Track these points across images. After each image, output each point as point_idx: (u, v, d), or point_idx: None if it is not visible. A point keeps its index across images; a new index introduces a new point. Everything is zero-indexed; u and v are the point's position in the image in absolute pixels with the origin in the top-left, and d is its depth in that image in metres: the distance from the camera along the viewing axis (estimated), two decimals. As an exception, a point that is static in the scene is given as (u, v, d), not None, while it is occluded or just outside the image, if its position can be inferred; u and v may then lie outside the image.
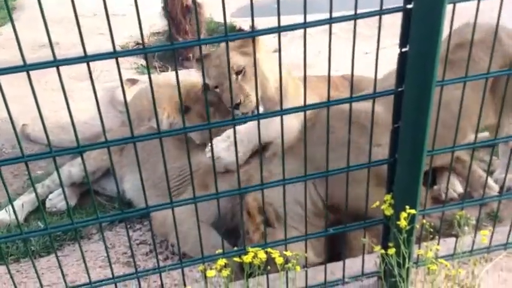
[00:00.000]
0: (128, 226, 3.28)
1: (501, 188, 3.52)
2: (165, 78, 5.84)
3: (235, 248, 2.31)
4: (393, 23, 2.26)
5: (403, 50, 1.91)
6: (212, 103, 3.57)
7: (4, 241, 2.03)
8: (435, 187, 3.63)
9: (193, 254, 3.10)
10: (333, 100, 1.99)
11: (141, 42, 1.70)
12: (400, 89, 1.98)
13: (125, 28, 6.99)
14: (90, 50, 1.65)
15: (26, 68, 1.62)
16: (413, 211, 2.06)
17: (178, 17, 6.35)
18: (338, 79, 4.33)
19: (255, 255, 2.05)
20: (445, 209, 2.38)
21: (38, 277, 2.12)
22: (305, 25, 1.75)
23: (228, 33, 1.73)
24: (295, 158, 2.85)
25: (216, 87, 3.42)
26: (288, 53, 6.08)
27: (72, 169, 3.99)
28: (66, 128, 5.01)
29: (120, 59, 1.72)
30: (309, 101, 1.96)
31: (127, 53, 1.74)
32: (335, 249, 3.09)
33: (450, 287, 2.24)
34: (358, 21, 1.82)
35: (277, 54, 1.85)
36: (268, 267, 2.10)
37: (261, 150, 2.35)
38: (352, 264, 2.53)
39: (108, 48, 1.67)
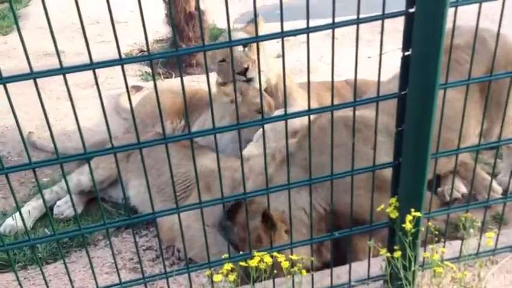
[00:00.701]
0: (134, 232, 3.29)
1: (506, 190, 3.52)
2: (168, 84, 5.88)
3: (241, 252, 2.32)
4: (395, 28, 2.29)
5: (406, 53, 1.92)
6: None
7: (12, 248, 2.04)
8: (439, 189, 3.64)
9: (200, 258, 3.11)
10: (336, 104, 2.00)
11: (144, 49, 1.72)
12: (403, 93, 1.99)
13: (128, 36, 7.03)
14: (93, 58, 1.67)
15: (33, 75, 1.64)
16: (418, 214, 2.07)
17: (182, 24, 6.39)
18: (340, 83, 4.35)
19: (261, 259, 2.06)
20: (450, 212, 2.38)
21: (46, 284, 2.13)
22: (308, 30, 1.77)
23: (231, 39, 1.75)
24: (294, 165, 2.85)
25: (223, 60, 3.64)
26: (290, 59, 6.09)
27: (81, 177, 4.02)
28: (71, 136, 5.05)
29: (124, 67, 1.74)
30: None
31: (132, 59, 1.75)
32: (340, 252, 3.10)
33: (456, 289, 2.24)
34: (361, 26, 1.84)
35: (279, 58, 1.87)
36: (274, 271, 2.11)
37: (265, 156, 2.36)
38: (358, 268, 2.53)
39: (111, 56, 1.69)
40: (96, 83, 1.71)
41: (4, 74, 1.63)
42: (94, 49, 1.64)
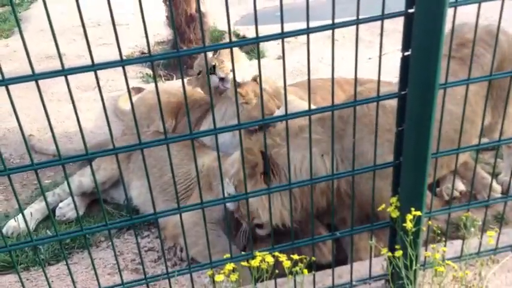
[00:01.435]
0: (136, 233, 3.30)
1: (507, 189, 3.53)
2: (164, 86, 5.90)
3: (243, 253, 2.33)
4: (394, 29, 2.30)
5: (406, 53, 1.93)
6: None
7: (14, 248, 2.05)
8: (437, 189, 3.65)
9: (204, 255, 3.11)
10: (337, 104, 2.01)
11: (145, 51, 1.73)
12: (403, 92, 2.00)
13: (129, 38, 7.05)
14: (94, 60, 1.68)
15: (35, 77, 1.65)
16: (419, 213, 2.07)
17: (183, 26, 6.40)
18: (342, 79, 4.38)
19: (262, 259, 2.07)
20: (451, 211, 2.39)
21: (49, 285, 2.14)
22: (308, 31, 1.78)
23: (232, 41, 1.76)
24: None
25: (199, 73, 4.01)
26: (291, 60, 6.11)
27: (82, 179, 4.03)
28: (73, 138, 5.07)
29: (126, 69, 1.75)
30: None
31: (134, 61, 1.76)
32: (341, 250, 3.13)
33: (457, 288, 2.25)
34: (361, 27, 1.85)
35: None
36: (276, 271, 2.12)
37: (266, 156, 2.37)
38: (360, 268, 2.54)
39: (112, 58, 1.70)
40: (98, 84, 1.72)
41: (6, 77, 1.64)
42: (95, 52, 1.65)
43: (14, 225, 3.74)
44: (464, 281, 2.24)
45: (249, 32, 7.25)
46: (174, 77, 6.39)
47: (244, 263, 2.11)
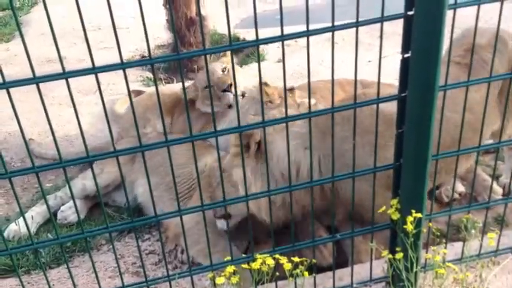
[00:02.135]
0: (137, 236, 3.31)
1: (508, 191, 3.54)
2: (162, 88, 5.93)
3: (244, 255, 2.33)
4: (394, 32, 2.30)
5: (405, 55, 1.94)
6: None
7: (15, 252, 2.05)
8: (436, 191, 3.65)
9: (205, 254, 3.12)
10: (336, 107, 2.02)
11: (146, 55, 1.74)
12: (403, 94, 2.01)
13: (129, 42, 7.07)
14: (95, 64, 1.68)
15: (36, 80, 1.66)
16: (419, 215, 2.08)
17: (183, 29, 6.41)
18: (344, 79, 4.40)
19: (263, 261, 2.07)
20: (451, 213, 2.39)
21: (49, 287, 2.14)
22: (308, 33, 1.78)
23: (232, 43, 1.77)
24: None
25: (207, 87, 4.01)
26: (291, 63, 6.12)
27: (86, 182, 4.04)
28: (74, 142, 5.08)
29: (126, 72, 1.75)
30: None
31: (134, 63, 1.77)
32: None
33: (458, 290, 2.25)
34: (360, 30, 1.85)
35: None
36: (277, 273, 2.12)
37: (266, 157, 2.38)
38: (360, 270, 2.54)
39: (113, 61, 1.71)
40: (99, 87, 1.73)
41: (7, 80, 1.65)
42: (96, 55, 1.65)
43: (15, 229, 3.74)
44: (465, 283, 2.24)
45: (249, 35, 7.26)
46: (175, 80, 6.40)
47: (245, 266, 2.11)
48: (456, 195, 3.64)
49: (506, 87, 2.97)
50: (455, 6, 1.93)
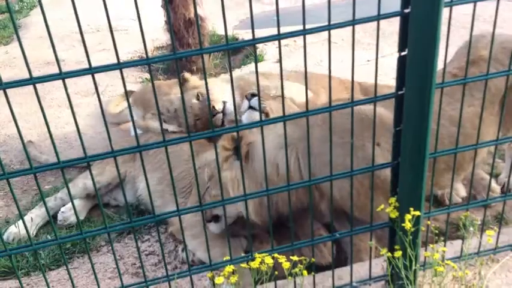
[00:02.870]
0: (136, 237, 3.32)
1: (507, 189, 3.54)
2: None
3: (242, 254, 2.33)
4: (393, 31, 2.31)
5: (402, 54, 1.94)
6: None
7: (14, 253, 2.05)
8: (439, 192, 3.64)
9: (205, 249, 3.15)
10: (334, 105, 2.02)
11: (144, 57, 1.74)
12: (400, 93, 2.01)
13: (128, 43, 7.08)
14: (93, 65, 1.68)
15: (33, 81, 1.66)
16: (417, 213, 2.08)
17: (181, 30, 6.42)
18: (347, 80, 4.41)
19: (262, 261, 2.07)
20: (450, 211, 2.39)
21: (49, 289, 2.14)
22: (304, 32, 1.78)
23: (229, 42, 1.77)
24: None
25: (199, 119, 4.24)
26: (289, 63, 6.13)
27: (87, 181, 4.06)
28: (73, 143, 5.08)
29: (125, 73, 1.75)
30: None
31: (131, 63, 1.77)
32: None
33: (457, 288, 2.25)
34: (359, 30, 1.86)
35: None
36: (276, 272, 2.12)
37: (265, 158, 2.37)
38: (360, 269, 2.54)
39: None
40: (95, 87, 1.73)
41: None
42: (94, 57, 1.66)
43: (14, 231, 3.74)
44: (464, 281, 2.24)
45: (248, 36, 7.21)
46: (173, 81, 6.41)
47: (244, 265, 2.11)
48: (459, 199, 3.63)
49: (506, 100, 2.90)
50: (451, 4, 1.93)
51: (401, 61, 1.95)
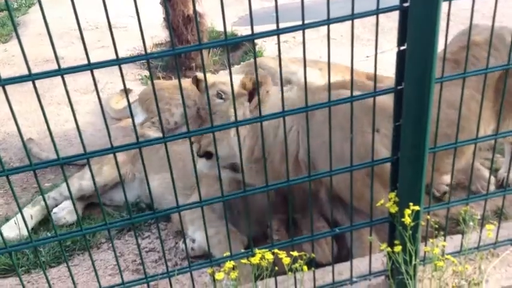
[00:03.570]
0: (137, 234, 3.32)
1: (507, 184, 3.54)
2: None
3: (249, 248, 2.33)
4: (392, 27, 2.31)
5: (401, 48, 1.94)
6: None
7: (14, 250, 2.06)
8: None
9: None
10: (333, 100, 2.02)
11: (143, 53, 1.73)
12: (400, 87, 2.01)
13: (127, 41, 7.07)
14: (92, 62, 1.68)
15: (32, 77, 1.65)
16: (417, 207, 2.08)
17: (180, 27, 6.41)
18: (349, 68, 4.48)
19: (262, 256, 2.07)
20: (450, 206, 2.39)
21: (49, 286, 2.14)
22: (303, 27, 1.78)
23: (228, 38, 1.77)
24: None
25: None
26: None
27: (83, 182, 4.03)
28: (73, 141, 5.08)
29: (124, 71, 1.75)
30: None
31: (130, 59, 1.77)
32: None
33: (457, 283, 2.25)
34: (358, 26, 1.85)
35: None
36: (276, 268, 2.12)
37: (264, 157, 2.37)
38: (360, 264, 2.54)
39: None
40: (95, 84, 1.73)
41: (3, 80, 1.65)
42: (93, 54, 1.66)
43: (13, 229, 3.72)
44: (464, 275, 2.24)
45: (247, 33, 7.25)
46: (173, 78, 6.40)
47: (244, 261, 2.12)
48: (445, 188, 3.66)
49: (502, 85, 2.94)
50: (450, -2, 1.93)
51: (401, 55, 1.95)
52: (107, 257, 3.41)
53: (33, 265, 3.38)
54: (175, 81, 5.18)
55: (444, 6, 1.84)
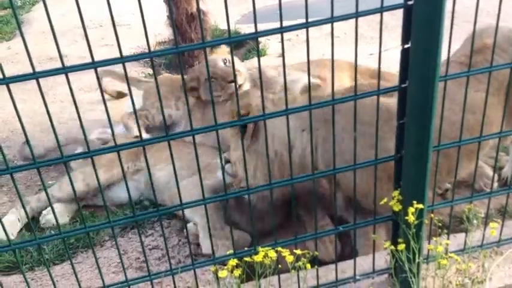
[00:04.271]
0: (140, 231, 3.33)
1: (511, 182, 3.54)
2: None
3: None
4: (396, 25, 2.30)
5: (406, 46, 1.93)
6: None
7: (18, 247, 2.06)
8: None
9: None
10: (337, 98, 2.01)
11: (147, 51, 1.73)
12: (403, 86, 2.01)
13: (130, 39, 7.07)
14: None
15: (36, 75, 1.65)
16: (420, 206, 2.07)
17: (184, 25, 6.40)
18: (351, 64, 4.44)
19: (265, 254, 2.07)
20: (453, 204, 2.39)
21: (54, 284, 2.15)
22: (307, 25, 1.78)
23: (231, 36, 1.77)
24: None
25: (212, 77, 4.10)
26: (291, 57, 6.11)
27: (77, 184, 3.89)
28: (76, 139, 5.09)
29: (127, 69, 1.75)
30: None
31: (134, 57, 1.77)
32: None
33: (461, 281, 2.25)
34: (362, 24, 1.85)
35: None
36: (279, 265, 2.12)
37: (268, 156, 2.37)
38: (363, 262, 2.54)
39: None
40: (98, 82, 1.73)
41: (7, 78, 1.65)
42: (97, 52, 1.65)
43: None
44: (467, 273, 2.24)
45: (250, 31, 7.22)
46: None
47: (248, 259, 2.12)
48: (447, 185, 3.66)
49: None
50: (454, -4, 1.92)
51: (405, 54, 1.95)
52: (110, 255, 3.41)
53: (37, 262, 3.39)
54: (173, 76, 5.17)
55: (448, 4, 1.83)
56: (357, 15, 1.82)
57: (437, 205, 2.37)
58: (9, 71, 6.17)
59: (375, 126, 2.10)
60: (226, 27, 4.87)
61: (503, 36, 3.01)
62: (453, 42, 2.03)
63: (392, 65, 2.87)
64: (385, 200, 2.20)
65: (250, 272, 2.14)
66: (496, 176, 3.71)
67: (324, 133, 2.82)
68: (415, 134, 2.06)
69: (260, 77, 2.01)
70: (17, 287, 3.15)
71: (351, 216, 3.10)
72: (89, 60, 1.68)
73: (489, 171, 3.72)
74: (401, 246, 2.15)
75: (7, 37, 8.18)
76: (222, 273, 2.06)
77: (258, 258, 2.07)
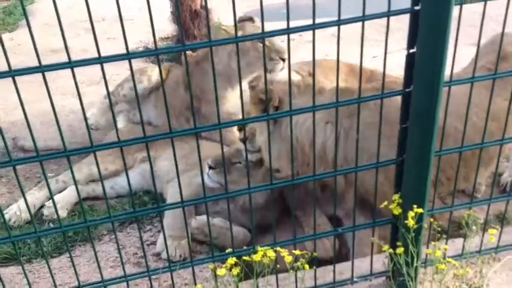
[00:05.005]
0: (139, 226, 3.33)
1: (511, 189, 3.54)
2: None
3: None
4: (400, 28, 2.30)
5: (411, 51, 1.94)
6: None
7: (18, 239, 2.07)
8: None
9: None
10: (341, 101, 2.02)
11: (150, 47, 1.74)
12: (408, 90, 2.01)
13: (133, 33, 7.06)
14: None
15: (42, 69, 1.66)
16: (420, 210, 2.08)
17: (187, 22, 6.40)
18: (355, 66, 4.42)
19: (264, 254, 2.08)
20: (452, 209, 2.40)
21: (52, 276, 2.15)
22: (313, 26, 1.78)
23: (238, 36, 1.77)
24: None
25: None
26: (296, 57, 6.09)
27: (92, 167, 4.04)
28: (76, 132, 5.08)
29: (131, 64, 1.76)
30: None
31: (140, 54, 1.77)
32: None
33: (458, 286, 2.26)
34: (366, 27, 1.85)
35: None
36: (278, 265, 2.13)
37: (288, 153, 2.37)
38: (361, 264, 2.55)
39: (117, 52, 1.71)
40: (104, 77, 1.73)
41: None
42: (100, 46, 1.65)
43: (17, 214, 3.74)
44: (465, 279, 2.25)
45: (253, 29, 7.24)
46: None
47: (246, 257, 2.12)
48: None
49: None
50: (461, 2, 1.93)
51: (410, 58, 1.95)
52: (108, 249, 3.41)
53: (35, 254, 3.38)
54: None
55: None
56: (363, 18, 1.82)
57: (436, 209, 2.37)
58: (12, 62, 6.16)
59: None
60: (228, 25, 4.84)
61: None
62: (457, 47, 2.03)
63: (394, 67, 2.87)
64: (385, 203, 2.21)
65: (249, 271, 2.15)
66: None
67: (346, 125, 2.84)
68: (418, 138, 2.07)
69: (265, 78, 2.01)
70: (15, 278, 3.15)
71: (347, 217, 3.11)
72: (91, 52, 1.69)
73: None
74: (400, 250, 2.16)
75: (10, 28, 8.17)
76: (220, 271, 2.06)
77: (256, 257, 2.07)
